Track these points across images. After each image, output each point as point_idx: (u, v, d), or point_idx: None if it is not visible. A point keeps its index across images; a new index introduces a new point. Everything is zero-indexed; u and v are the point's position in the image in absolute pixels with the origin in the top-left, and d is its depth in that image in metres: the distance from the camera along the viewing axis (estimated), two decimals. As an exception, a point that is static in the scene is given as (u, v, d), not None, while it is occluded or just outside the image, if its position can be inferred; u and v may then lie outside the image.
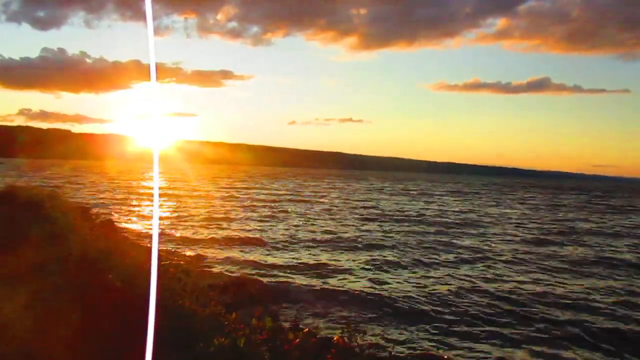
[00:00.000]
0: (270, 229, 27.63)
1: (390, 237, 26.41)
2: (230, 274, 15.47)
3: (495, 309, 13.69)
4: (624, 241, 28.68)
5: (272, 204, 43.80)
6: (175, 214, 32.95)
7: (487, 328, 12.18)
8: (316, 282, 15.70)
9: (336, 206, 44.92)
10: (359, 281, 16.28)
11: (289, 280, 15.86)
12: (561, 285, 16.85)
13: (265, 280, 15.73)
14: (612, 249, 25.62)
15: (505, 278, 17.55)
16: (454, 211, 44.71)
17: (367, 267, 18.31)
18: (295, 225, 29.41)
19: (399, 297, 14.41)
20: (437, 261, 20.11)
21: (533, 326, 12.41)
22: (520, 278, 17.61)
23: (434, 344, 10.91)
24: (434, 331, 11.79)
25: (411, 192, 78.45)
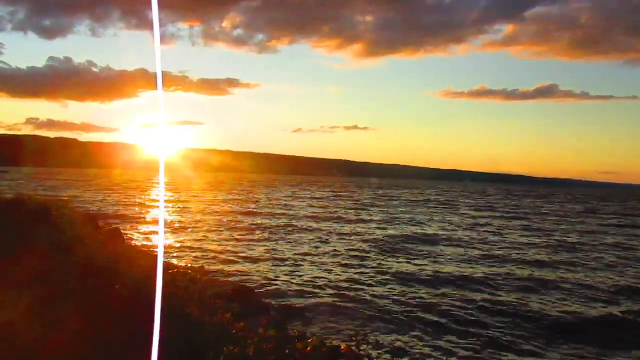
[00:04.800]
0: (277, 240, 27.55)
1: (404, 248, 26.27)
2: (236, 283, 15.39)
3: (517, 327, 13.55)
4: None
5: (279, 215, 43.74)
6: (182, 224, 32.96)
7: (505, 341, 12.03)
8: (322, 292, 15.60)
9: (344, 218, 44.81)
10: (366, 291, 16.16)
11: (295, 290, 15.77)
12: None
13: (271, 289, 15.67)
14: None
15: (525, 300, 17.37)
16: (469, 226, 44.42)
17: (375, 278, 18.17)
18: (302, 237, 29.32)
19: (407, 308, 14.29)
20: (452, 274, 19.95)
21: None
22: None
23: (443, 355, 10.78)
24: (444, 342, 11.65)
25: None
